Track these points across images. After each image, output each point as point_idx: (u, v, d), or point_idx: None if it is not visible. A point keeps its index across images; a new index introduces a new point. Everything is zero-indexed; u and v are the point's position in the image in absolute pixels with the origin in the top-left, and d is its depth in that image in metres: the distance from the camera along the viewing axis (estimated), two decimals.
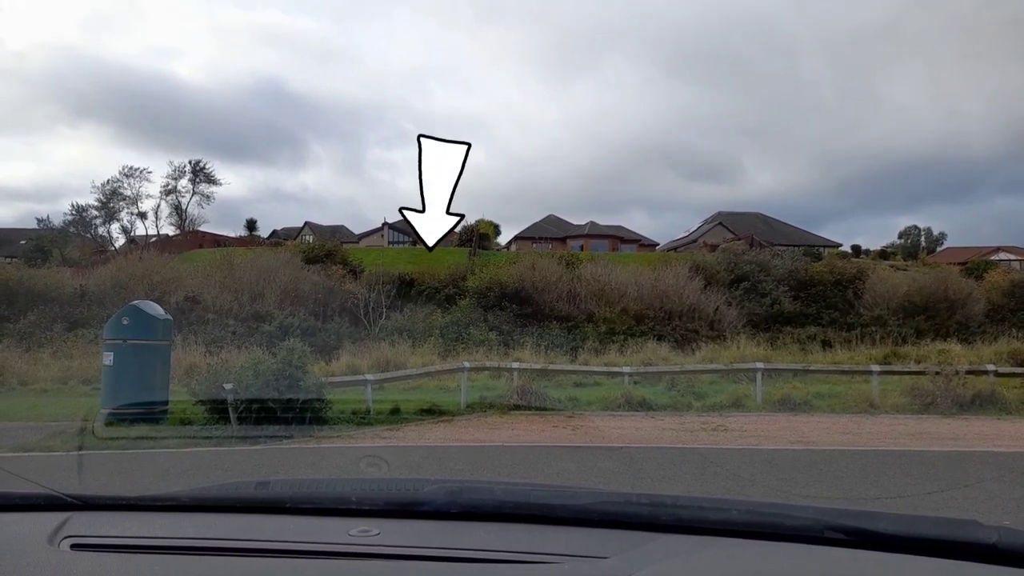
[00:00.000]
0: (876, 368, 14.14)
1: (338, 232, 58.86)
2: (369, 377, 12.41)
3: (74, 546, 1.28)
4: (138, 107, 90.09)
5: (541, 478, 7.02)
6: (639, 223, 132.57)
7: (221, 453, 8.58)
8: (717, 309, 25.93)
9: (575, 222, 59.59)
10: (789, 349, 21.25)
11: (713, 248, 38.87)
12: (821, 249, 47.65)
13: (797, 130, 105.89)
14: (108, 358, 10.31)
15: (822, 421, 11.46)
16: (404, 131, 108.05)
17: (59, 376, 15.37)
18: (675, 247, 54.75)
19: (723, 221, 56.26)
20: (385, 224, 61.64)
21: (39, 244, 45.01)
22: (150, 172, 54.48)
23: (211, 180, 53.49)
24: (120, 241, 50.98)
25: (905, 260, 44.25)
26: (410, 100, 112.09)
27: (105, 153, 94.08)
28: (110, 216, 51.62)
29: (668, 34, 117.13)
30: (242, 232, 57.05)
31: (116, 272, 25.73)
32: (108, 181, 50.61)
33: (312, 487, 1.69)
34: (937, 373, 13.15)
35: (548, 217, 61.19)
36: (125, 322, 10.42)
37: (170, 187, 52.06)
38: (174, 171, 52.53)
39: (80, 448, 8.48)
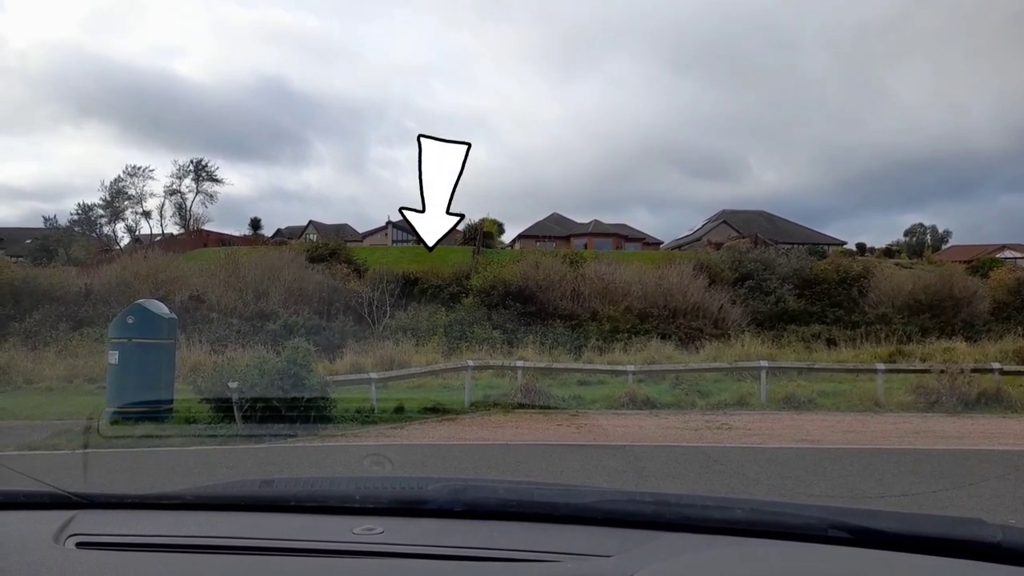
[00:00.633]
0: (881, 366, 14.10)
1: (342, 231, 58.92)
2: (373, 376, 12.43)
3: (79, 544, 1.29)
4: (141, 106, 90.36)
5: (545, 477, 7.03)
6: (643, 221, 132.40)
7: (226, 451, 8.60)
8: (721, 307, 25.89)
9: (579, 220, 59.55)
10: (793, 347, 21.21)
11: (717, 246, 38.81)
12: (825, 247, 47.49)
13: (801, 127, 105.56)
14: (113, 357, 10.34)
15: (826, 419, 11.43)
16: (407, 129, 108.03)
17: (64, 375, 15.43)
18: (679, 245, 54.68)
19: (727, 219, 56.16)
20: (389, 223, 61.69)
21: (45, 243, 45.16)
22: (152, 170, 54.66)
23: (214, 179, 53.70)
24: (125, 240, 51.20)
25: (910, 258, 44.12)
26: (413, 98, 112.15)
27: (108, 152, 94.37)
28: (115, 215, 51.85)
29: (671, 31, 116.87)
30: (246, 231, 57.13)
31: (121, 271, 25.81)
32: (115, 180, 50.83)
33: (316, 485, 1.69)
34: (942, 371, 13.10)
35: (552, 215, 61.16)
36: (130, 321, 10.44)
37: (174, 186, 52.28)
38: (178, 170, 52.77)
39: (85, 446, 8.51)
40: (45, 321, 20.82)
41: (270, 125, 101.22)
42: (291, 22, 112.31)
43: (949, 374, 12.90)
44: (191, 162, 53.66)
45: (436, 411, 11.54)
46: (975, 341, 22.22)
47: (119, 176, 51.23)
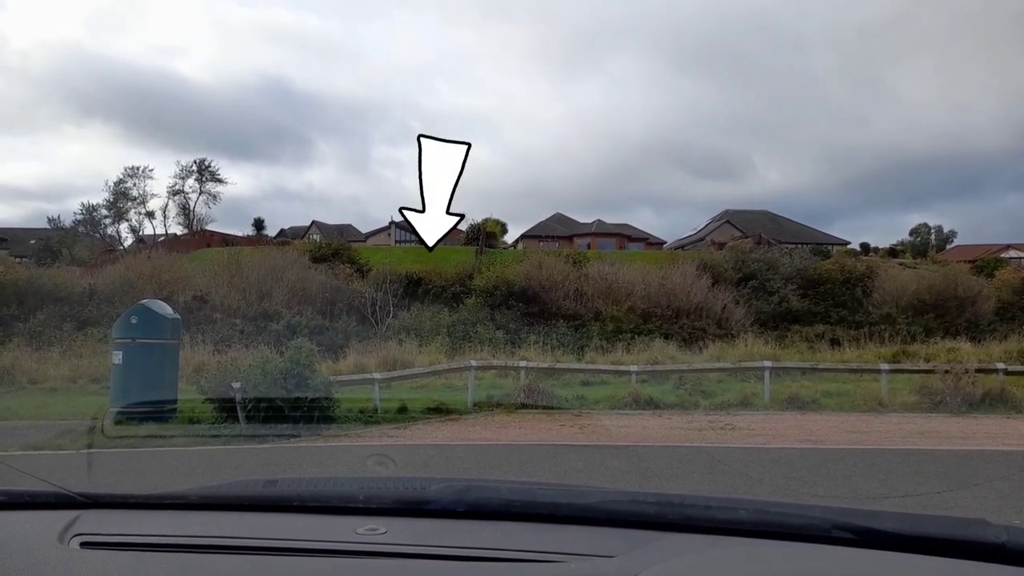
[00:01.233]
0: (885, 367, 14.07)
1: (345, 231, 59.01)
2: (376, 376, 12.44)
3: (84, 544, 1.29)
4: (143, 106, 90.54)
5: (548, 477, 7.02)
6: (646, 221, 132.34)
7: (229, 451, 8.62)
8: (725, 307, 25.86)
9: (582, 220, 59.52)
10: (797, 347, 21.18)
11: (720, 246, 38.76)
12: (829, 247, 47.42)
13: (805, 127, 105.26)
14: (117, 357, 10.36)
15: (830, 420, 11.41)
16: (409, 129, 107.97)
17: (68, 375, 15.47)
18: (682, 245, 54.63)
19: (730, 219, 56.10)
20: (392, 223, 61.68)
21: (49, 244, 45.31)
22: (152, 170, 54.76)
23: (217, 179, 53.80)
24: (129, 240, 51.32)
25: (914, 258, 44.04)
26: (415, 97, 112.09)
27: (111, 152, 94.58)
28: (119, 216, 51.97)
29: (674, 31, 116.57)
30: (250, 231, 57.27)
31: (125, 271, 25.87)
32: (119, 181, 50.97)
33: (320, 486, 1.69)
34: (947, 371, 13.07)
35: (554, 215, 61.16)
36: (134, 321, 10.47)
37: (177, 187, 52.39)
38: (181, 171, 52.88)
39: (90, 446, 8.54)
40: (49, 321, 20.88)
41: (272, 125, 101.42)
42: (293, 22, 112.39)
43: (953, 374, 12.86)
44: (194, 162, 53.79)
45: (439, 411, 11.55)
46: (979, 341, 22.16)
47: (119, 178, 51.37)
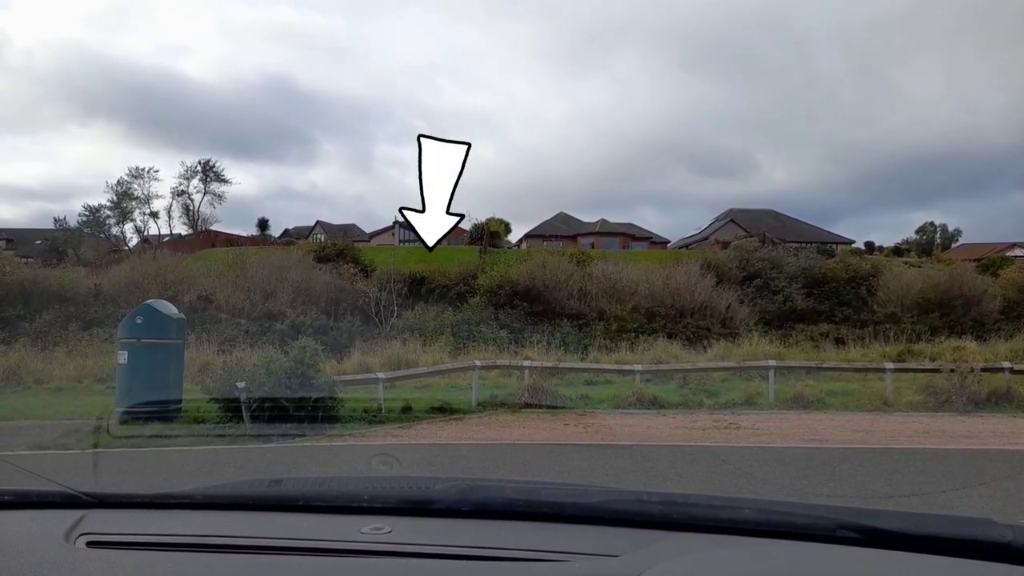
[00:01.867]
0: (890, 366, 14.04)
1: (349, 231, 59.09)
2: (380, 375, 12.45)
3: (90, 543, 1.30)
4: (147, 105, 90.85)
5: (552, 476, 7.03)
6: (650, 220, 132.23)
7: (234, 451, 8.64)
8: (729, 306, 25.81)
9: (586, 220, 59.52)
10: (802, 346, 21.12)
11: (725, 245, 38.71)
12: (834, 246, 47.31)
13: (811, 125, 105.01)
14: (122, 357, 10.39)
15: (835, 419, 11.39)
16: (413, 128, 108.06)
17: (74, 375, 15.52)
18: (686, 244, 54.56)
19: (735, 218, 56.02)
20: (396, 223, 61.75)
21: (54, 244, 45.51)
22: (157, 171, 54.84)
23: (222, 179, 53.87)
24: (134, 241, 51.46)
25: (919, 257, 43.90)
26: (419, 96, 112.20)
27: (115, 152, 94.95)
28: (123, 216, 52.11)
29: (679, 28, 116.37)
30: (254, 231, 57.39)
31: (130, 272, 25.95)
32: (120, 181, 51.11)
33: (324, 485, 1.69)
34: (952, 371, 13.03)
35: (558, 215, 61.14)
36: (139, 321, 10.50)
37: (181, 187, 52.50)
38: (185, 171, 52.96)
39: (95, 446, 8.56)
40: (55, 321, 20.95)
41: (276, 124, 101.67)
42: (297, 21, 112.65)
43: (959, 373, 12.83)
44: (198, 163, 53.89)
45: (443, 411, 11.56)
46: (985, 340, 22.08)
47: (120, 179, 51.49)
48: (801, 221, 58.93)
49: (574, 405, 12.62)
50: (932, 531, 1.26)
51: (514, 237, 56.00)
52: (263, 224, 61.73)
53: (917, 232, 63.24)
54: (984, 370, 13.20)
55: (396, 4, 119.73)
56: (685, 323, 24.64)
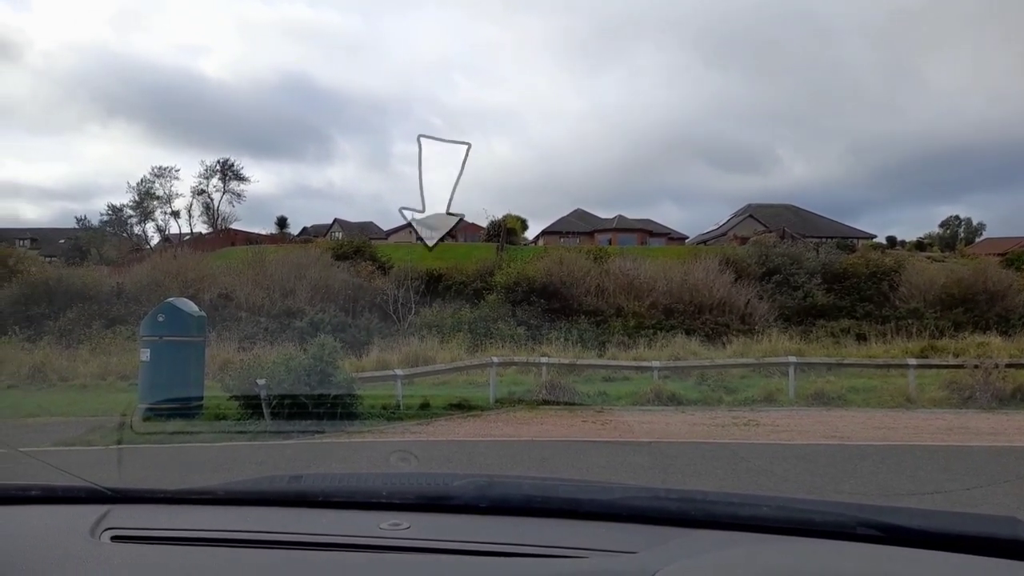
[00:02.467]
0: (913, 362, 13.86)
1: (367, 228, 59.34)
2: (399, 372, 12.51)
3: (114, 538, 1.32)
4: (167, 105, 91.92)
5: (570, 473, 7.02)
6: (668, 215, 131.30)
7: (255, 447, 8.72)
8: (748, 302, 25.61)
9: (603, 216, 59.35)
10: (822, 343, 20.91)
11: (743, 241, 38.40)
12: (855, 241, 46.78)
13: (833, 117, 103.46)
14: (145, 354, 10.53)
15: (857, 416, 11.27)
16: (430, 125, 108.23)
17: (98, 372, 15.74)
18: (705, 240, 54.20)
19: (753, 213, 55.56)
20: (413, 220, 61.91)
21: (77, 243, 46.17)
22: (178, 170, 55.49)
23: (240, 178, 54.36)
24: (155, 240, 52.09)
25: (942, 251, 43.30)
26: (436, 93, 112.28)
27: (136, 151, 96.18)
28: (145, 215, 52.77)
29: (699, 19, 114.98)
30: (273, 229, 57.90)
31: (152, 270, 26.28)
32: (142, 181, 51.75)
33: (344, 481, 1.71)
34: (976, 367, 12.84)
35: (575, 211, 61.00)
36: (161, 319, 10.62)
37: (201, 186, 53.05)
38: (205, 170, 53.53)
39: (119, 442, 8.69)
40: (79, 320, 21.26)
41: (294, 122, 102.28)
42: (314, 18, 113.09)
43: (983, 369, 12.63)
44: (218, 162, 54.43)
45: (461, 408, 11.58)
46: (1010, 336, 21.72)
47: (144, 177, 52.14)
48: (821, 216, 58.35)
49: (592, 402, 12.59)
50: (955, 529, 1.24)
51: (531, 234, 56.00)
52: (282, 222, 62.23)
53: (940, 226, 62.48)
54: (1009, 366, 12.99)
55: (413, 0, 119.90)
56: (704, 319, 24.48)
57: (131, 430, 9.41)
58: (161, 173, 52.07)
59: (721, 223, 60.25)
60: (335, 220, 64.74)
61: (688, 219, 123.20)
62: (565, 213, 60.58)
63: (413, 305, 24.81)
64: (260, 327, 21.41)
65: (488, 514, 1.43)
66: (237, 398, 10.31)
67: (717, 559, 1.20)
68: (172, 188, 52.80)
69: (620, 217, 58.18)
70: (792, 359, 13.87)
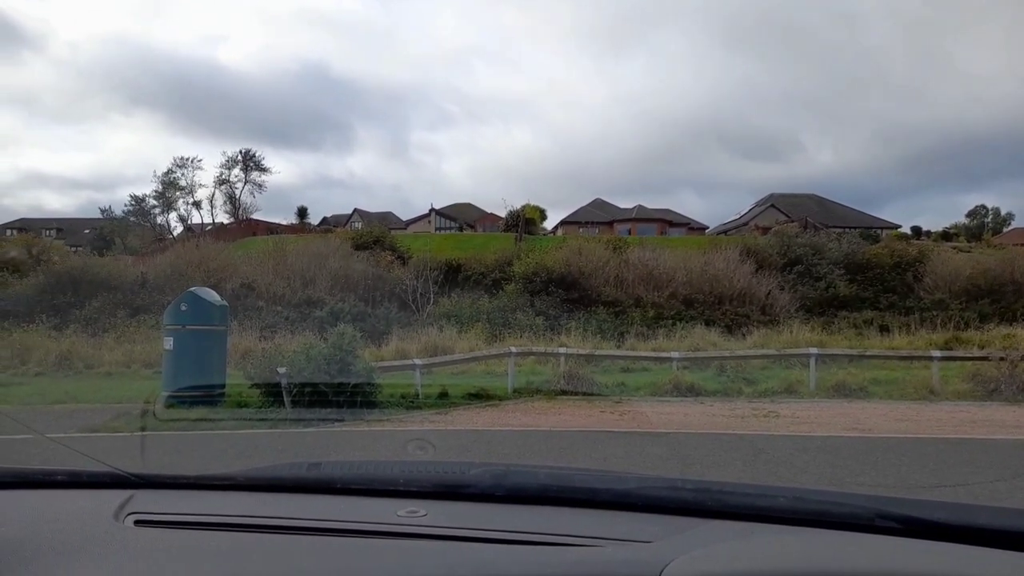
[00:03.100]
0: (937, 353, 13.67)
1: (386, 218, 59.62)
2: (417, 362, 12.57)
3: (137, 522, 1.34)
4: (188, 94, 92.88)
5: (588, 463, 7.02)
6: (689, 205, 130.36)
7: (275, 435, 8.82)
8: (769, 293, 25.40)
9: (622, 206, 59.06)
10: (844, 334, 20.68)
11: (765, 231, 38.01)
12: (879, 231, 46.13)
13: (859, 103, 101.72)
14: (168, 343, 10.67)
15: (879, 408, 11.15)
16: (448, 113, 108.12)
17: (122, 360, 15.98)
18: (725, 230, 53.75)
19: (775, 203, 54.97)
20: (432, 210, 62.17)
21: (102, 233, 46.86)
22: (201, 160, 56.01)
23: (262, 168, 54.76)
24: (178, 229, 52.67)
25: (969, 241, 42.56)
26: (455, 81, 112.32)
27: (158, 141, 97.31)
28: (168, 206, 53.35)
29: (724, 4, 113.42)
30: (293, 219, 58.28)
31: (174, 260, 26.61)
32: (166, 172, 52.31)
33: (362, 469, 1.72)
34: (1002, 359, 12.65)
35: (595, 201, 60.76)
36: (184, 308, 10.75)
37: (223, 176, 53.52)
38: (227, 161, 53.97)
39: (143, 429, 8.83)
40: (104, 308, 21.60)
41: (313, 112, 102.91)
42: (332, 7, 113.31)
43: (1009, 361, 12.44)
44: (239, 152, 54.85)
45: (479, 397, 11.62)
46: None
47: (169, 168, 52.70)
48: (844, 206, 57.57)
49: (610, 392, 12.58)
50: (977, 522, 1.23)
51: (550, 224, 55.88)
52: (302, 212, 62.66)
53: (967, 216, 61.39)
54: None
55: None
56: (724, 310, 24.33)
57: (154, 417, 9.55)
58: (183, 163, 52.62)
59: (742, 213, 59.70)
60: (355, 210, 65.08)
61: (709, 209, 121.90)
62: (584, 203, 60.46)
63: (432, 295, 24.90)
64: (281, 316, 21.62)
65: (504, 502, 1.43)
66: (258, 386, 10.42)
67: (733, 549, 1.19)
68: (194, 178, 53.30)
69: (640, 207, 57.85)
70: (813, 350, 13.74)
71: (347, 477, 1.61)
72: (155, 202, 53.09)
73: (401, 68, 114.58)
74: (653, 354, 15.55)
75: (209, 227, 50.72)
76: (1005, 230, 57.21)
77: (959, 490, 6.03)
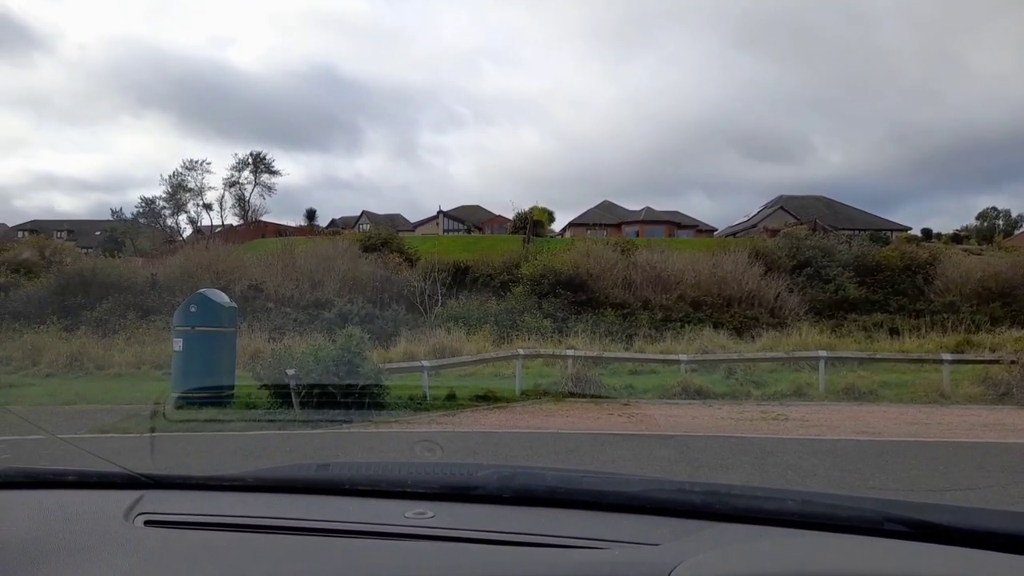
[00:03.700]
0: (947, 356, 13.56)
1: (394, 221, 59.74)
2: (425, 363, 12.58)
3: (147, 522, 1.35)
4: (197, 96, 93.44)
5: (596, 465, 7.01)
6: (698, 207, 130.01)
7: (284, 436, 8.85)
8: (778, 296, 25.28)
9: (630, 208, 58.98)
10: (854, 337, 20.56)
11: (774, 233, 37.87)
12: (889, 233, 45.89)
13: (871, 104, 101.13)
14: (178, 344, 10.72)
15: (889, 411, 11.09)
16: (456, 115, 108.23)
17: (132, 361, 16.07)
18: (733, 232, 53.58)
19: (784, 205, 54.79)
20: (440, 212, 62.29)
21: (112, 235, 47.15)
22: (210, 163, 56.25)
23: (271, 171, 55.00)
24: (187, 231, 52.94)
25: (979, 244, 42.28)
26: (462, 82, 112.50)
27: (168, 142, 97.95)
28: (178, 207, 53.63)
29: (734, 3, 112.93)
30: (302, 221, 58.53)
31: (184, 262, 26.73)
32: (175, 173, 52.60)
33: (370, 470, 1.73)
34: (1013, 362, 12.55)
35: (602, 203, 60.71)
36: (193, 310, 10.80)
37: (233, 179, 53.79)
38: (237, 163, 54.25)
39: (152, 430, 8.88)
40: (114, 310, 21.71)
41: (322, 113, 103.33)
42: (340, 8, 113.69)
43: (1020, 365, 12.35)
44: (249, 155, 55.11)
45: (487, 399, 11.62)
46: None
47: (176, 170, 53.00)
48: (854, 208, 57.31)
49: (618, 395, 12.55)
50: (987, 526, 1.22)
51: (557, 226, 55.90)
52: (311, 214, 62.95)
53: (977, 218, 60.98)
54: None
55: None
56: (732, 312, 24.23)
57: (164, 418, 9.61)
58: (193, 166, 52.90)
59: (751, 215, 59.52)
60: (363, 212, 65.31)
61: (717, 211, 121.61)
62: (592, 205, 60.46)
63: (440, 297, 24.92)
64: (289, 318, 21.68)
65: (512, 504, 1.44)
66: (267, 387, 10.46)
67: (741, 552, 1.19)
68: (204, 181, 53.57)
69: (648, 209, 57.76)
70: (823, 353, 13.67)
71: (355, 478, 1.62)
72: (165, 204, 53.41)
73: (409, 69, 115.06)
74: (661, 356, 15.52)
75: (219, 229, 50.97)
76: (1016, 232, 56.79)
77: (969, 494, 5.99)
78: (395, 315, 22.54)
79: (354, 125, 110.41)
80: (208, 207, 53.71)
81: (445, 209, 62.68)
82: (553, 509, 1.41)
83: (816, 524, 1.28)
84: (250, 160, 54.49)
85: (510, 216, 47.58)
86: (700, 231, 55.79)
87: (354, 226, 57.98)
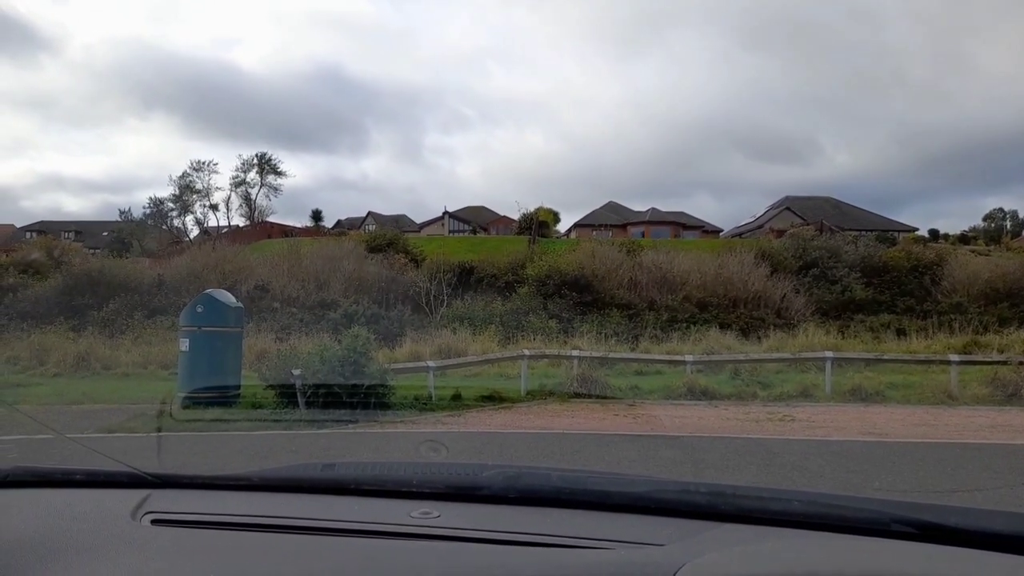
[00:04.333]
0: (955, 358, 13.50)
1: (400, 221, 59.84)
2: (431, 364, 12.59)
3: (154, 521, 1.36)
4: (203, 97, 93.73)
5: (601, 466, 7.01)
6: (704, 207, 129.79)
7: (290, 436, 8.87)
8: (784, 296, 25.22)
9: (636, 208, 58.93)
10: (861, 338, 20.50)
11: (780, 234, 37.76)
12: (896, 234, 45.70)
13: (878, 104, 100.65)
14: (184, 344, 10.76)
15: (896, 412, 11.04)
16: (462, 115, 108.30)
17: (139, 361, 16.14)
18: (740, 233, 53.47)
19: (791, 206, 54.62)
20: (446, 213, 62.35)
21: (120, 236, 47.37)
22: (216, 164, 56.46)
23: (277, 172, 55.17)
24: (194, 232, 53.14)
25: (987, 245, 42.07)
26: (468, 83, 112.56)
27: (174, 144, 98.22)
28: (184, 208, 53.83)
29: (739, 3, 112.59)
30: (308, 222, 58.68)
31: (191, 262, 26.84)
32: (183, 175, 52.82)
33: (375, 470, 1.73)
34: (1021, 363, 12.50)
35: (608, 204, 60.68)
36: (199, 310, 10.84)
37: (239, 179, 53.97)
38: (243, 164, 54.44)
39: (159, 430, 8.89)
40: (121, 310, 21.80)
41: (327, 114, 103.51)
42: (345, 9, 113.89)
43: None
44: (255, 156, 55.30)
45: (493, 399, 11.62)
46: None
47: (185, 172, 53.20)
48: (861, 208, 57.11)
49: (624, 395, 12.54)
50: (994, 527, 1.21)
51: (563, 227, 55.87)
52: (317, 215, 63.11)
53: (984, 219, 60.67)
54: None
55: None
56: (738, 313, 24.19)
57: (171, 417, 9.63)
58: (199, 167, 53.10)
59: (757, 216, 59.37)
60: (369, 213, 65.42)
61: (723, 212, 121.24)
62: (598, 206, 60.42)
63: (445, 297, 24.94)
64: (295, 318, 21.74)
65: (517, 504, 1.44)
66: (273, 387, 10.49)
67: (746, 553, 1.19)
68: (210, 181, 53.76)
69: (653, 210, 57.69)
70: (829, 354, 13.62)
71: (361, 478, 1.62)
72: (172, 205, 53.62)
73: (414, 70, 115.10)
74: (667, 357, 15.49)
75: (225, 230, 51.15)
76: None
77: (977, 495, 5.96)
78: (400, 315, 22.57)
79: (359, 126, 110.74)
80: (215, 208, 53.93)
81: (451, 210, 62.75)
82: (558, 509, 1.41)
83: (822, 525, 1.28)
84: (256, 161, 54.70)
85: (515, 217, 47.63)
86: (706, 232, 55.67)
87: (360, 227, 58.08)
